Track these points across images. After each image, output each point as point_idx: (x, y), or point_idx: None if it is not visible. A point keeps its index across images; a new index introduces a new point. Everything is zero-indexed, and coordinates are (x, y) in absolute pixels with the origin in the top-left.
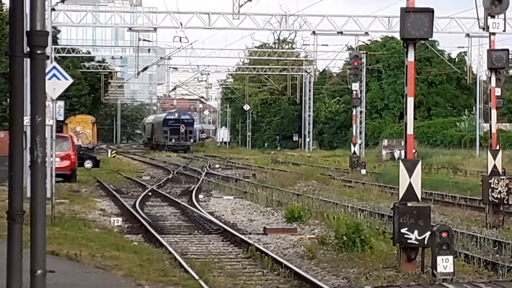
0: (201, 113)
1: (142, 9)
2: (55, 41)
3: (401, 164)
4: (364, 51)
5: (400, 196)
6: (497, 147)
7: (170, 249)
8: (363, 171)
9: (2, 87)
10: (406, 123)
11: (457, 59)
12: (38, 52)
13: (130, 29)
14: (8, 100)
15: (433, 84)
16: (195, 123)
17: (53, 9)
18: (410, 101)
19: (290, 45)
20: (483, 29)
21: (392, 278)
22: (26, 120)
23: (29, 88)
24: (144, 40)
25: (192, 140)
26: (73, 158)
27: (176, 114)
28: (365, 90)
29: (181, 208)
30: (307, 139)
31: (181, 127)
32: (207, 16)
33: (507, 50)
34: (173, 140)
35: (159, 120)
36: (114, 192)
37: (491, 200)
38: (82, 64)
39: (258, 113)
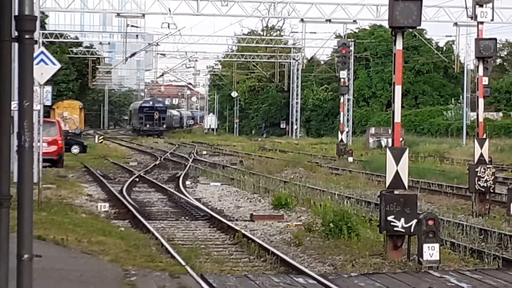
0: (188, 100)
1: None
2: (43, 26)
3: (388, 152)
4: (352, 39)
5: (387, 184)
6: (484, 136)
7: (157, 234)
8: (350, 159)
9: None
10: (393, 111)
11: (444, 48)
12: (26, 36)
13: (118, 14)
14: None
15: (420, 72)
16: (183, 110)
17: None
18: (398, 89)
19: (278, 32)
20: (471, 18)
21: (378, 265)
22: (14, 104)
23: (16, 72)
24: (132, 26)
25: (164, 126)
26: (60, 143)
27: (151, 102)
28: (352, 78)
29: (168, 194)
30: (295, 127)
31: (155, 114)
32: (195, 3)
33: (495, 39)
34: (148, 126)
35: (136, 107)
36: (101, 178)
37: (477, 188)
38: (70, 49)
39: (246, 100)
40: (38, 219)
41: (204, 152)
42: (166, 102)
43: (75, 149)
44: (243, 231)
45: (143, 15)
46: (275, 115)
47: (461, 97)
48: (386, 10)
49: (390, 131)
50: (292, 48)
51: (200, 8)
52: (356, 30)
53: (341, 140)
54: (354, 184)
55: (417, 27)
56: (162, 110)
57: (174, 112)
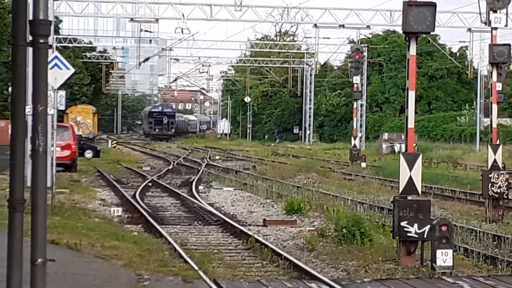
0: (202, 105)
1: (144, 0)
2: (56, 31)
3: (401, 157)
4: (366, 45)
5: (400, 189)
6: (498, 142)
7: (170, 239)
8: (363, 164)
9: (4, 76)
10: (407, 117)
11: (458, 54)
12: (41, 41)
13: (132, 19)
14: (9, 89)
15: (434, 78)
16: (193, 116)
17: None
18: (412, 95)
19: (291, 37)
20: (485, 23)
21: (392, 271)
22: (28, 109)
23: (31, 77)
24: (145, 31)
25: (173, 130)
26: (74, 148)
27: (160, 108)
28: (366, 83)
29: (181, 199)
30: (308, 132)
31: (164, 119)
32: (209, 8)
33: (509, 45)
34: (157, 130)
35: (146, 112)
36: (114, 182)
37: (491, 194)
38: (83, 54)
39: (259, 105)
40: (52, 223)
41: (217, 157)
42: (179, 107)
43: (88, 154)
44: (256, 236)
45: (157, 20)
46: (288, 120)
47: (474, 102)
48: (400, 16)
49: (403, 137)
50: (305, 54)
51: (213, 13)
52: (370, 36)
53: (354, 146)
54: (367, 190)
55: (431, 33)
56: (171, 115)
57: (191, 117)
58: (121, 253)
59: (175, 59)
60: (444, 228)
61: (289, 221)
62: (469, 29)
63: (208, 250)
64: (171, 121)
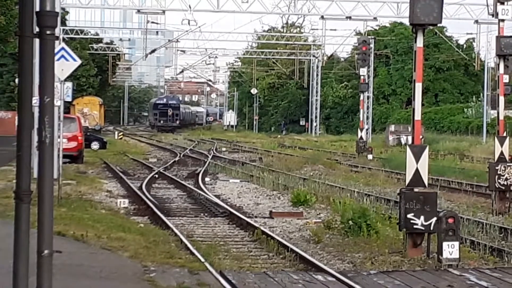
0: (208, 96)
1: None
2: (63, 23)
3: (408, 149)
4: (373, 36)
5: (407, 181)
6: (504, 134)
7: (176, 231)
8: (370, 156)
9: (11, 68)
10: (414, 109)
11: (465, 46)
12: (48, 32)
13: (138, 11)
14: (16, 80)
15: (440, 70)
16: (201, 107)
17: None
18: (418, 87)
19: (298, 29)
20: (492, 15)
21: (398, 263)
22: (35, 100)
23: (37, 68)
24: (152, 22)
25: (178, 122)
26: (80, 140)
27: (165, 100)
28: (372, 75)
29: (187, 191)
30: (314, 124)
31: (168, 111)
32: None
33: None
34: (162, 122)
35: (151, 104)
36: (120, 174)
37: (497, 186)
38: (90, 45)
39: (265, 97)
40: (58, 215)
41: (224, 149)
42: (186, 99)
43: (95, 145)
44: (262, 228)
45: (163, 11)
46: (295, 112)
47: (481, 95)
48: (407, 7)
49: (410, 129)
50: (312, 45)
51: (220, 5)
52: (377, 27)
53: (361, 138)
54: (374, 182)
55: (438, 25)
56: (175, 107)
57: (199, 109)
58: (127, 244)
59: (181, 50)
60: (450, 220)
61: (295, 213)
62: (476, 21)
63: (215, 242)
64: (176, 113)
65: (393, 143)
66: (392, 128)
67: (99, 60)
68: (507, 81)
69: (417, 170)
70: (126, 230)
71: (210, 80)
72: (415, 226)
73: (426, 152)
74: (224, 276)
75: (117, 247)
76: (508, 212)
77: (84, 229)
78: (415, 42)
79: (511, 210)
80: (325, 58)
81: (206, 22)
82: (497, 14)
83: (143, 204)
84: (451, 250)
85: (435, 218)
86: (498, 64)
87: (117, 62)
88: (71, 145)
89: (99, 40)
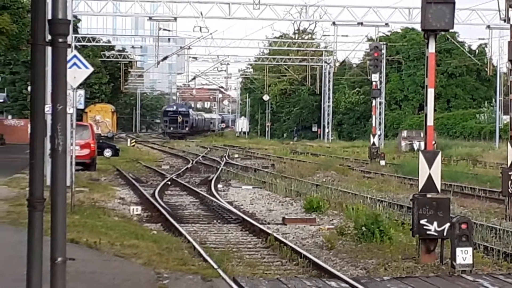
0: (220, 103)
1: None
2: (75, 30)
3: (421, 155)
4: (384, 42)
5: (420, 187)
6: None
7: (189, 238)
8: (382, 162)
9: (23, 76)
10: (426, 114)
11: (477, 51)
12: (60, 40)
13: (150, 18)
14: (29, 88)
15: (453, 75)
16: (215, 114)
17: None
18: (431, 92)
19: (310, 35)
20: (504, 20)
21: (411, 269)
22: (47, 108)
23: (50, 76)
24: (164, 29)
25: (187, 129)
26: (93, 147)
27: (175, 107)
28: (384, 81)
29: (200, 198)
30: (326, 130)
31: (178, 117)
32: (227, 6)
33: None
34: (171, 128)
35: (162, 111)
36: (133, 181)
37: (510, 192)
38: (102, 53)
39: (278, 104)
40: (71, 222)
41: (236, 156)
42: (198, 106)
43: (107, 153)
44: (275, 234)
45: (175, 18)
46: (307, 118)
47: (493, 100)
48: (419, 13)
49: (422, 135)
50: (323, 51)
51: (232, 12)
52: (388, 33)
53: (373, 144)
54: (386, 188)
55: (450, 30)
56: (185, 114)
57: (214, 116)
58: (140, 251)
59: (193, 57)
60: (463, 226)
61: (308, 219)
62: (488, 26)
63: (227, 248)
64: (186, 120)
65: (406, 148)
66: (405, 134)
67: (111, 67)
68: None
69: (430, 175)
70: (139, 237)
71: (222, 87)
72: (428, 232)
73: (438, 158)
74: (238, 283)
75: (130, 254)
76: None
77: (97, 236)
78: (427, 47)
79: None
80: (337, 64)
81: (218, 29)
82: (509, 19)
83: (156, 211)
84: (464, 256)
85: (448, 224)
86: (510, 69)
87: (129, 70)
88: (84, 152)
89: (111, 48)
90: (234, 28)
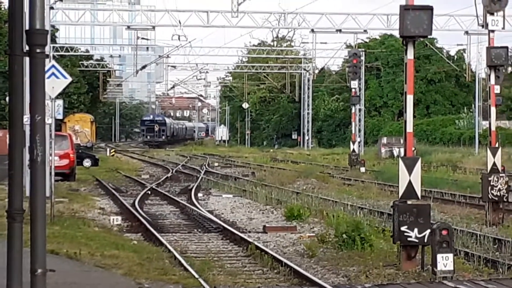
0: (199, 111)
1: (141, 8)
2: (53, 40)
3: (400, 162)
4: (363, 49)
5: (400, 194)
6: (497, 145)
7: (170, 247)
8: (362, 169)
9: (1, 86)
10: (405, 121)
11: (456, 57)
12: (38, 51)
13: (128, 27)
14: (7, 99)
15: (432, 81)
16: (193, 123)
17: (51, 8)
18: (410, 99)
19: (288, 43)
20: (482, 26)
21: (392, 276)
22: (26, 119)
23: (28, 86)
24: (142, 38)
25: (163, 137)
26: (72, 157)
27: (151, 116)
28: (364, 88)
29: (180, 207)
30: (306, 137)
31: (155, 126)
32: (205, 14)
33: (506, 47)
34: (149, 137)
35: (139, 120)
36: (113, 191)
37: (490, 197)
38: (80, 62)
39: (257, 111)
40: (51, 233)
41: (216, 164)
42: (177, 114)
43: (86, 163)
44: (256, 243)
45: (153, 27)
46: (287, 126)
47: (473, 106)
48: (397, 20)
49: (402, 141)
50: (302, 59)
51: (210, 20)
52: (367, 40)
53: (353, 151)
54: (367, 195)
55: (428, 36)
56: (161, 123)
57: (194, 124)
58: (121, 262)
59: (172, 66)
60: (444, 232)
61: (289, 227)
62: (466, 32)
63: (208, 257)
64: (162, 128)
65: (386, 155)
66: (384, 140)
67: (90, 77)
68: (498, 91)
69: (410, 182)
70: (120, 248)
71: (201, 95)
72: (409, 239)
73: (418, 164)
74: None
75: (111, 265)
76: (501, 223)
77: (77, 247)
78: (406, 54)
79: (504, 221)
80: (316, 71)
81: (197, 37)
82: (487, 25)
83: (136, 221)
84: (445, 262)
85: (429, 230)
86: (489, 75)
87: (107, 79)
88: (63, 162)
89: (90, 57)
90: (212, 36)
